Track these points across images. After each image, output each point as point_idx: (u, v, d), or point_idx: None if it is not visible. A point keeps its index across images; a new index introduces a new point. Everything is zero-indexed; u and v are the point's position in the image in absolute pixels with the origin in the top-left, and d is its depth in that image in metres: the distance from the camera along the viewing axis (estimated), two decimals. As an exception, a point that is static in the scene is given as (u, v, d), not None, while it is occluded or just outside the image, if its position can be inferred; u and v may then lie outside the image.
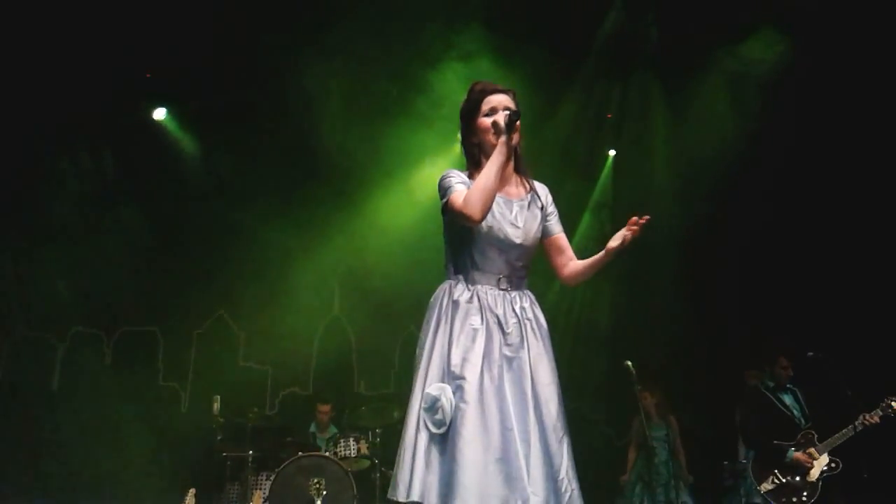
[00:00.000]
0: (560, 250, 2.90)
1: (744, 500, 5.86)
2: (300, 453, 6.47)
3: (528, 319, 2.72)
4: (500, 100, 2.77)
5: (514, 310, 2.70)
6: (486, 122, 2.75)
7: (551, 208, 2.91)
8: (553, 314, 8.97)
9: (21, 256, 8.05)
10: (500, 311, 2.68)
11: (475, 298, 2.69)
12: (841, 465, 5.30)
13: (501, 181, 2.69)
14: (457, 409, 2.52)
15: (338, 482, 6.21)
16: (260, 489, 6.50)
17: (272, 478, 6.34)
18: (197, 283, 8.30)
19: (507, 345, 2.65)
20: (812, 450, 5.37)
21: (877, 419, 5.17)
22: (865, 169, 7.18)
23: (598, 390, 8.52)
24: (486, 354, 2.60)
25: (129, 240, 8.14)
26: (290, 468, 6.26)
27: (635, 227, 2.68)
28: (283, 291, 8.39)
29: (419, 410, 2.58)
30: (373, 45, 7.39)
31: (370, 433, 6.91)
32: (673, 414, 7.06)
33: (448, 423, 2.52)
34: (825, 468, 5.32)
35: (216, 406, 6.59)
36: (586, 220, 9.11)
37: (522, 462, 2.48)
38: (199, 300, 8.50)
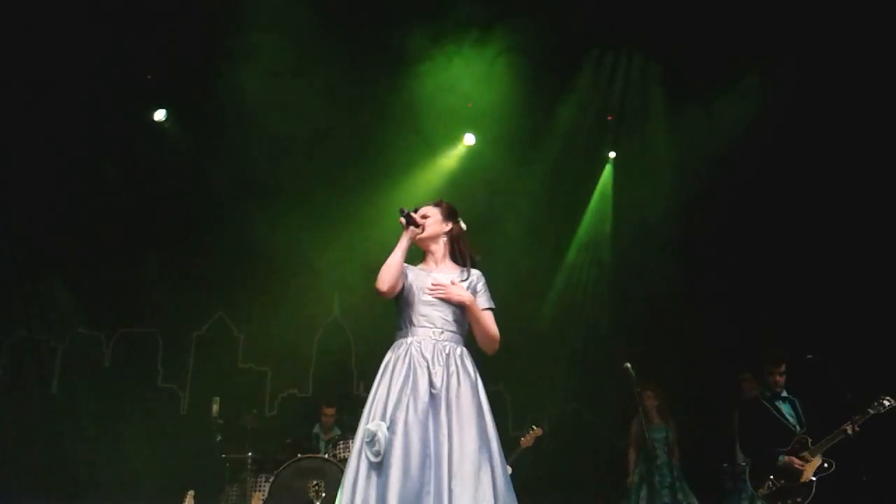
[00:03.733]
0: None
1: (746, 503, 5.87)
2: (299, 455, 6.46)
3: (457, 366, 3.23)
4: (422, 210, 3.55)
5: (443, 356, 3.24)
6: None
7: (479, 288, 3.46)
8: (553, 316, 9.01)
9: (20, 258, 8.04)
10: (429, 356, 3.23)
11: (413, 348, 3.28)
12: (834, 466, 5.31)
13: (435, 263, 3.51)
14: (388, 441, 3.03)
15: (337, 484, 6.17)
16: (259, 491, 6.49)
17: (271, 480, 6.33)
18: (196, 285, 8.29)
19: (433, 385, 3.16)
20: (805, 453, 5.40)
21: (857, 429, 5.17)
22: (864, 170, 7.18)
23: (597, 392, 8.51)
24: (413, 394, 3.13)
25: (129, 241, 8.14)
26: (289, 470, 6.25)
27: None
28: (282, 293, 8.39)
29: (360, 443, 3.10)
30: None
31: (369, 435, 6.89)
32: (673, 416, 7.05)
33: (383, 453, 3.02)
34: (819, 469, 5.33)
35: (215, 408, 6.57)
36: (586, 222, 9.12)
37: (433, 482, 2.97)
38: (198, 302, 8.49)
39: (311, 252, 8.30)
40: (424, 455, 3.01)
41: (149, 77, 7.73)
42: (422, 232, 3.44)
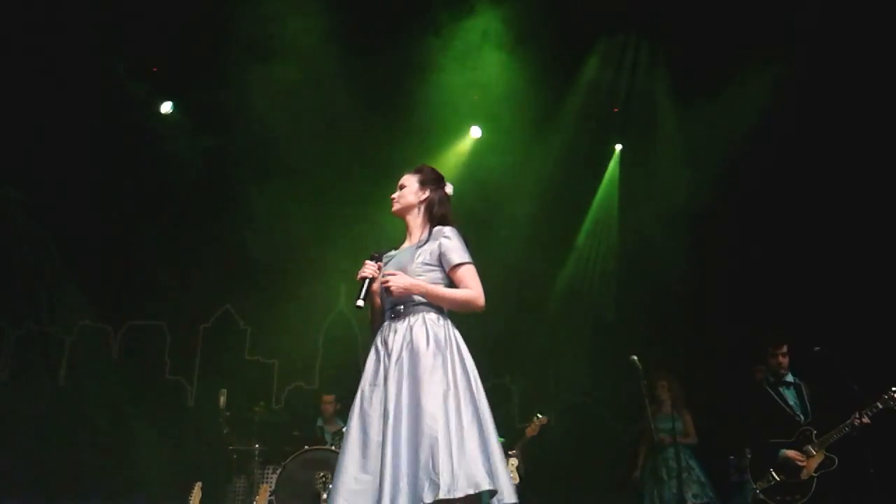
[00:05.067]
0: (456, 283, 3.24)
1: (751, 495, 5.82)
2: (306, 447, 6.48)
3: (408, 341, 3.10)
4: (402, 181, 3.54)
5: (399, 332, 3.14)
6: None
7: (448, 246, 3.24)
8: (560, 308, 8.99)
9: (28, 251, 8.07)
10: (387, 336, 3.17)
11: (378, 338, 3.21)
12: (837, 462, 5.21)
13: (409, 236, 3.47)
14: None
15: (344, 476, 6.20)
16: (266, 483, 6.51)
17: (278, 471, 6.35)
18: (203, 277, 8.31)
19: (387, 366, 3.09)
20: (808, 447, 5.28)
21: (867, 420, 5.07)
22: (877, 160, 7.13)
23: (604, 383, 8.51)
24: (373, 377, 3.11)
25: (136, 234, 8.16)
26: (297, 462, 6.27)
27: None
28: (288, 286, 8.40)
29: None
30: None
31: (375, 427, 6.89)
32: (687, 406, 6.99)
33: None
34: (821, 466, 5.24)
35: (222, 400, 6.59)
36: (592, 214, 9.10)
37: (379, 461, 2.91)
38: (205, 294, 8.52)
39: (317, 244, 8.31)
40: (374, 442, 2.97)
41: (154, 70, 7.73)
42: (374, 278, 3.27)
